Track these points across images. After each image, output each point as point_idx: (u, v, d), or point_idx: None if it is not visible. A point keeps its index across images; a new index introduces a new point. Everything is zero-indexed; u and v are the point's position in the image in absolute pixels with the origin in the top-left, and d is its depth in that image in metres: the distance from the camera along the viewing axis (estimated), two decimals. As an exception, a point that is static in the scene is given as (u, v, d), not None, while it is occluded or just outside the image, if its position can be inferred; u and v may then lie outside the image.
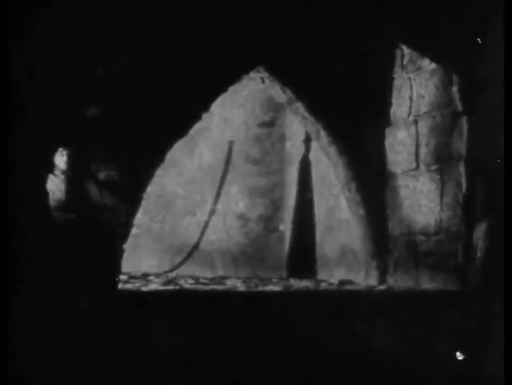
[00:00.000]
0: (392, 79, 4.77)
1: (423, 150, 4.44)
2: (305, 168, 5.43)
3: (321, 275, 5.65)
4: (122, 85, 3.55)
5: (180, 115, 3.74)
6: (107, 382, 3.28)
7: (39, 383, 3.09)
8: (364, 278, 4.86)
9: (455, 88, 4.17)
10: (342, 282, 4.91)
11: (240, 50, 3.88)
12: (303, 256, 5.61)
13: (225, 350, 3.53)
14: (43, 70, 3.14)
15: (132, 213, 3.68)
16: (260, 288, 4.32)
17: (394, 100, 4.76)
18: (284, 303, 3.74)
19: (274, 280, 5.05)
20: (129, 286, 4.00)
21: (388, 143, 4.78)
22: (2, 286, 2.73)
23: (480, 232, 4.03)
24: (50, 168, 3.41)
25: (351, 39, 4.45)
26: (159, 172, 3.79)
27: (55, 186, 3.48)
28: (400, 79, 4.72)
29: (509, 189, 3.40)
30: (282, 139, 6.78)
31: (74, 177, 3.54)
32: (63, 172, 3.51)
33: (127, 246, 3.66)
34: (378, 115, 4.76)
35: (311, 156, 6.09)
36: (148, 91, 3.65)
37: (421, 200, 4.42)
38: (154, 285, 4.11)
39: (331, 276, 5.45)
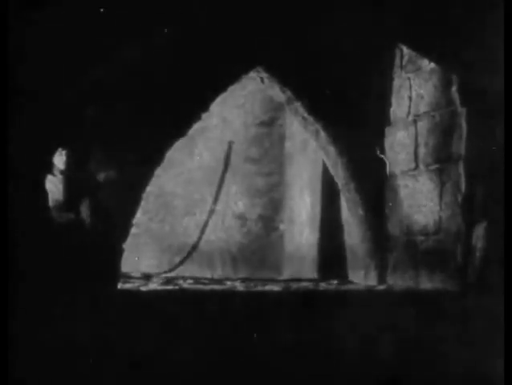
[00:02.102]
0: (391, 79, 4.77)
1: (422, 150, 4.44)
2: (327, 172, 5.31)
3: (321, 275, 5.64)
4: (122, 85, 3.55)
5: (179, 115, 3.74)
6: (107, 382, 3.28)
7: (39, 383, 3.09)
8: (364, 278, 4.86)
9: (454, 88, 4.17)
10: (341, 282, 4.90)
11: (239, 50, 3.88)
12: (333, 257, 5.51)
13: (225, 350, 3.53)
14: (43, 69, 3.14)
15: (131, 213, 3.68)
16: (259, 288, 4.32)
17: (393, 100, 4.76)
18: (284, 303, 3.74)
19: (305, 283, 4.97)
20: (128, 286, 4.00)
21: (387, 143, 4.78)
22: (2, 286, 2.73)
23: (479, 232, 4.03)
24: (49, 168, 3.41)
25: (351, 39, 4.45)
26: (158, 171, 3.79)
27: (54, 186, 3.48)
28: (399, 79, 4.72)
29: (509, 189, 3.40)
30: (282, 139, 6.78)
31: (73, 177, 3.54)
32: (62, 172, 3.52)
33: (126, 246, 3.66)
34: (377, 115, 4.76)
35: (310, 157, 6.09)
36: (148, 90, 3.65)
37: (420, 200, 4.42)
38: (153, 285, 4.11)
39: (330, 276, 5.44)
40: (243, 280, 5.08)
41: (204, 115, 3.90)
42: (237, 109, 6.71)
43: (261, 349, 3.58)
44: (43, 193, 3.30)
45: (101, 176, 3.57)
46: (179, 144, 3.88)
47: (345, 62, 4.60)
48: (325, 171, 5.35)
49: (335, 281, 4.94)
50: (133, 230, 3.81)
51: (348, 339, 3.71)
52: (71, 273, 3.30)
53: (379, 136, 4.79)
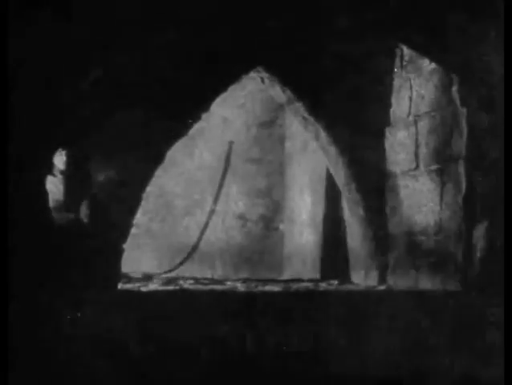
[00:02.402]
0: (391, 79, 4.76)
1: (422, 150, 4.44)
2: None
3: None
4: (122, 85, 3.55)
5: (180, 114, 3.74)
6: (107, 381, 3.28)
7: (40, 382, 3.09)
8: (364, 278, 4.86)
9: (455, 88, 4.17)
10: (342, 282, 4.90)
11: (239, 50, 3.88)
12: (335, 258, 5.48)
13: (225, 349, 3.53)
14: (43, 70, 3.14)
15: (131, 213, 3.68)
16: (260, 288, 4.32)
17: (394, 100, 4.76)
18: (284, 303, 3.74)
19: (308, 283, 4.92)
20: (129, 286, 4.00)
21: (387, 143, 4.77)
22: (2, 286, 2.73)
23: (480, 232, 4.03)
24: (49, 168, 3.41)
25: (351, 39, 4.45)
26: (158, 172, 3.79)
27: (54, 186, 3.48)
28: (399, 79, 4.71)
29: (509, 189, 3.40)
30: (282, 139, 6.78)
31: (73, 177, 3.54)
32: (62, 173, 3.52)
33: (126, 246, 3.66)
34: (378, 115, 4.76)
35: (311, 157, 6.08)
36: (148, 90, 3.65)
37: (421, 200, 4.41)
38: (154, 285, 4.11)
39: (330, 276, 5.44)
40: (243, 280, 5.08)
41: (204, 115, 3.90)
42: (237, 109, 6.71)
43: (261, 348, 3.58)
44: (43, 193, 3.29)
45: (101, 176, 3.57)
46: (179, 144, 3.88)
47: (345, 62, 4.59)
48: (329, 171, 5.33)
49: (336, 282, 4.94)
50: (133, 230, 3.82)
51: (348, 339, 3.71)
52: (71, 273, 3.30)
53: (380, 136, 4.78)
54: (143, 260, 6.35)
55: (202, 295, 3.71)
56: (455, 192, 4.14)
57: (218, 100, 3.94)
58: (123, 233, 3.63)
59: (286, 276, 6.23)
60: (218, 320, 3.54)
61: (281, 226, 6.74)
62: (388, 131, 4.78)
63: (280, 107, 6.25)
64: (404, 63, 4.66)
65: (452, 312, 3.92)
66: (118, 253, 3.59)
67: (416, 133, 4.50)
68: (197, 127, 3.93)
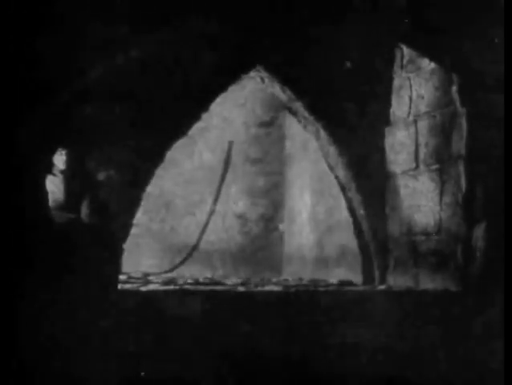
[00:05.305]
0: (391, 79, 4.77)
1: (422, 150, 4.44)
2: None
3: (321, 275, 5.65)
4: (122, 85, 3.55)
5: (179, 115, 3.74)
6: (107, 381, 3.28)
7: (41, 381, 3.10)
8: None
9: (454, 88, 4.17)
10: (342, 282, 4.90)
11: (239, 49, 3.88)
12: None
13: (225, 349, 3.54)
14: (43, 70, 3.14)
15: (131, 213, 3.69)
16: (260, 288, 4.32)
17: (393, 100, 4.76)
18: (284, 303, 3.74)
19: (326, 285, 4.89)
20: (129, 286, 3.99)
21: (387, 143, 4.78)
22: (2, 286, 2.73)
23: (479, 232, 4.03)
24: (49, 168, 3.41)
25: (352, 39, 4.45)
26: (158, 171, 3.79)
27: (55, 186, 3.48)
28: (399, 78, 4.72)
29: (509, 189, 3.40)
30: (282, 139, 6.79)
31: (73, 177, 3.54)
32: (63, 172, 3.52)
33: (126, 246, 3.66)
34: (378, 115, 4.76)
35: (311, 156, 6.09)
36: (148, 90, 3.65)
37: (421, 200, 4.42)
38: (154, 285, 4.11)
39: (331, 276, 5.45)
40: (243, 280, 5.08)
41: (204, 115, 3.90)
42: (237, 109, 6.72)
43: (261, 348, 3.59)
44: (43, 193, 3.29)
45: (101, 176, 3.57)
46: (179, 144, 3.88)
47: (345, 62, 4.59)
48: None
49: (336, 282, 4.94)
50: (133, 230, 3.81)
51: (348, 339, 3.71)
52: (71, 273, 3.30)
53: (380, 136, 4.79)
54: (143, 260, 6.36)
55: (202, 295, 3.71)
56: (455, 192, 4.14)
57: (218, 100, 3.94)
58: (124, 233, 3.63)
59: (286, 276, 6.23)
60: (218, 320, 3.54)
61: (281, 226, 6.74)
62: (387, 131, 4.78)
63: (280, 107, 6.25)
64: (404, 63, 4.66)
65: (452, 312, 3.92)
66: (118, 253, 3.59)
67: (416, 133, 4.50)
68: (196, 127, 3.93)
